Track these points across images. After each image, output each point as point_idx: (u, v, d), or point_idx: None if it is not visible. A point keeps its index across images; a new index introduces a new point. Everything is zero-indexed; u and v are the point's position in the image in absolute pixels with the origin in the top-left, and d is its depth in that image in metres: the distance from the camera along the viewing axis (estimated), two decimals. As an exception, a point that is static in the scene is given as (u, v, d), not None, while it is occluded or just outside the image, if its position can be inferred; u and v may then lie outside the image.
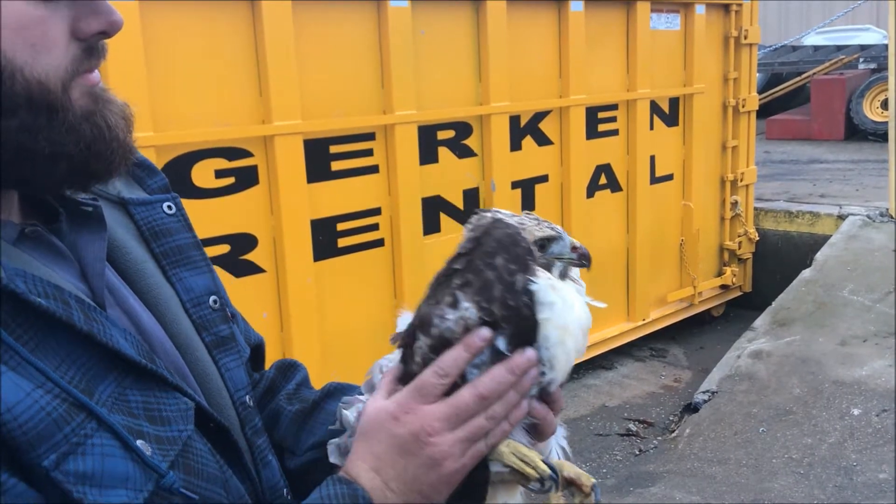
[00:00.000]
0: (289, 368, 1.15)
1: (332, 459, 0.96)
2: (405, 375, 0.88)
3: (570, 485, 0.95)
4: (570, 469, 0.95)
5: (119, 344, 0.74)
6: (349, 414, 0.96)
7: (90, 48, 0.73)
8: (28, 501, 0.64)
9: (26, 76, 0.68)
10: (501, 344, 0.85)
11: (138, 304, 0.85)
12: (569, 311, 0.87)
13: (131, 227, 0.90)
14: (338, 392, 1.11)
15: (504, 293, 0.85)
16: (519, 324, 0.85)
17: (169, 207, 0.94)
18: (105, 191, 0.89)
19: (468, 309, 0.85)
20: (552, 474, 0.90)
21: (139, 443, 0.71)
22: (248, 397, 0.94)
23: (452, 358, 0.85)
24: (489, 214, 0.92)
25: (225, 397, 0.90)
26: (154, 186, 0.95)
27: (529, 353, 0.86)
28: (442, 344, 0.85)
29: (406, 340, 0.90)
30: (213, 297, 0.93)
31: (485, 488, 0.91)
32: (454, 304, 0.85)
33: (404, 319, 0.94)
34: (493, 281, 0.85)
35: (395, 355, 0.95)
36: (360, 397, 0.98)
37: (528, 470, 0.89)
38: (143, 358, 0.76)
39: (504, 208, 3.97)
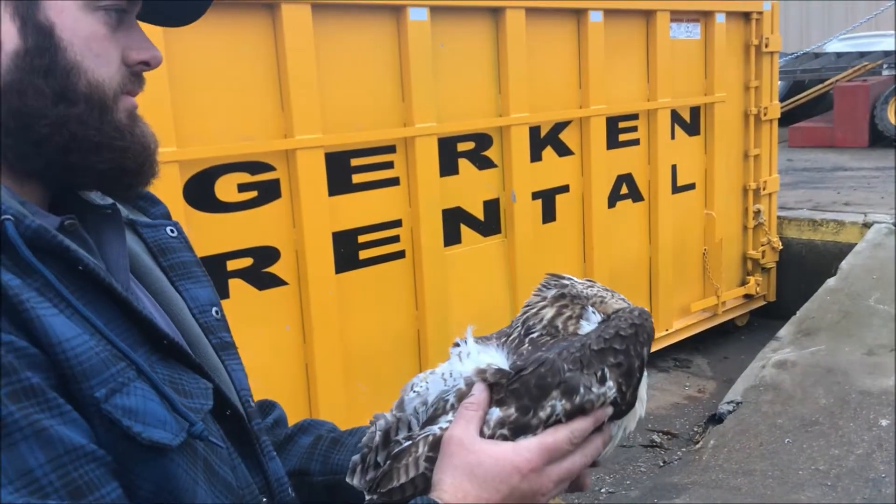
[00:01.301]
0: (268, 407, 1.20)
1: (353, 480, 0.97)
2: (517, 425, 0.91)
3: None
4: None
5: (152, 316, 0.81)
6: (375, 431, 0.98)
7: (135, 74, 0.85)
8: (81, 427, 0.69)
9: (88, 78, 0.79)
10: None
11: (153, 305, 0.91)
12: (642, 407, 1.01)
13: (140, 243, 0.96)
14: (311, 428, 1.17)
15: (637, 382, 0.96)
16: (626, 410, 0.97)
17: (171, 230, 1.00)
18: None
19: (611, 388, 0.93)
20: None
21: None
22: (251, 399, 0.99)
23: (583, 428, 0.92)
24: (568, 283, 1.02)
25: (233, 393, 0.94)
26: (157, 213, 1.02)
27: (613, 429, 0.98)
28: (577, 412, 0.92)
29: (517, 389, 0.92)
30: (215, 308, 0.99)
31: None
32: (602, 381, 0.93)
33: (480, 351, 0.98)
34: (636, 370, 0.95)
35: (432, 380, 0.97)
36: (386, 414, 1.00)
37: None
38: (166, 337, 0.81)
39: (525, 219, 3.98)
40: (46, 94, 0.76)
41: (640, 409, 0.99)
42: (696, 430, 4.80)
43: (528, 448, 0.89)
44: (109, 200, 0.90)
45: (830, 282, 5.80)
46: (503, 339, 0.99)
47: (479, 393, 0.92)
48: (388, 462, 0.94)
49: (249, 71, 3.40)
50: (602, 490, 4.22)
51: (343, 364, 3.72)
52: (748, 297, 6.37)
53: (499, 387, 0.92)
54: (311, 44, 3.48)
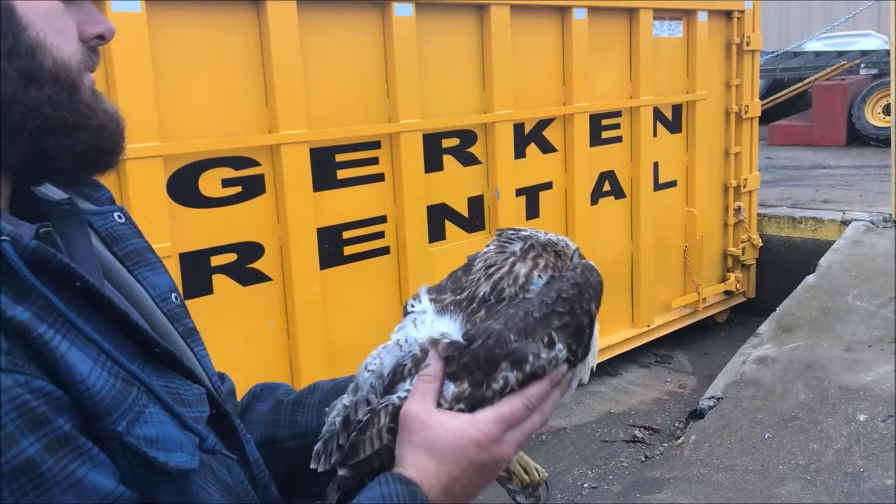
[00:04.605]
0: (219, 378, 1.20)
1: (318, 467, 0.98)
2: (472, 398, 0.90)
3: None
4: (538, 474, 1.03)
5: (146, 326, 0.79)
6: (335, 417, 0.99)
7: (91, 49, 0.81)
8: (109, 468, 0.68)
9: (54, 56, 0.75)
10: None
11: (120, 299, 0.87)
12: (594, 358, 0.99)
13: (93, 234, 0.92)
14: (265, 393, 1.16)
15: (588, 338, 0.95)
16: (580, 362, 0.95)
17: (119, 216, 0.96)
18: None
19: (561, 350, 0.92)
20: (546, 481, 1.02)
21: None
22: (219, 383, 1.00)
23: (540, 391, 0.91)
24: (528, 232, 0.98)
25: (207, 384, 0.93)
26: (101, 199, 0.97)
27: (567, 380, 0.96)
28: (530, 378, 0.91)
29: (468, 363, 0.91)
30: (174, 294, 0.96)
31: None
32: (550, 345, 0.91)
33: (425, 316, 0.96)
34: (585, 327, 0.94)
35: (385, 354, 0.97)
36: (343, 399, 1.00)
37: (525, 477, 1.00)
38: (159, 345, 0.80)
39: (509, 215, 3.98)
40: (14, 78, 0.71)
41: (592, 360, 0.98)
42: (677, 425, 4.84)
43: (484, 420, 0.89)
44: (60, 194, 0.86)
45: (809, 279, 5.87)
46: (458, 297, 0.97)
47: (434, 363, 0.92)
48: (354, 434, 0.95)
49: (234, 66, 3.38)
50: (584, 485, 4.25)
51: (327, 360, 3.72)
52: (728, 293, 6.42)
53: (451, 359, 0.91)
54: (296, 39, 3.47)
